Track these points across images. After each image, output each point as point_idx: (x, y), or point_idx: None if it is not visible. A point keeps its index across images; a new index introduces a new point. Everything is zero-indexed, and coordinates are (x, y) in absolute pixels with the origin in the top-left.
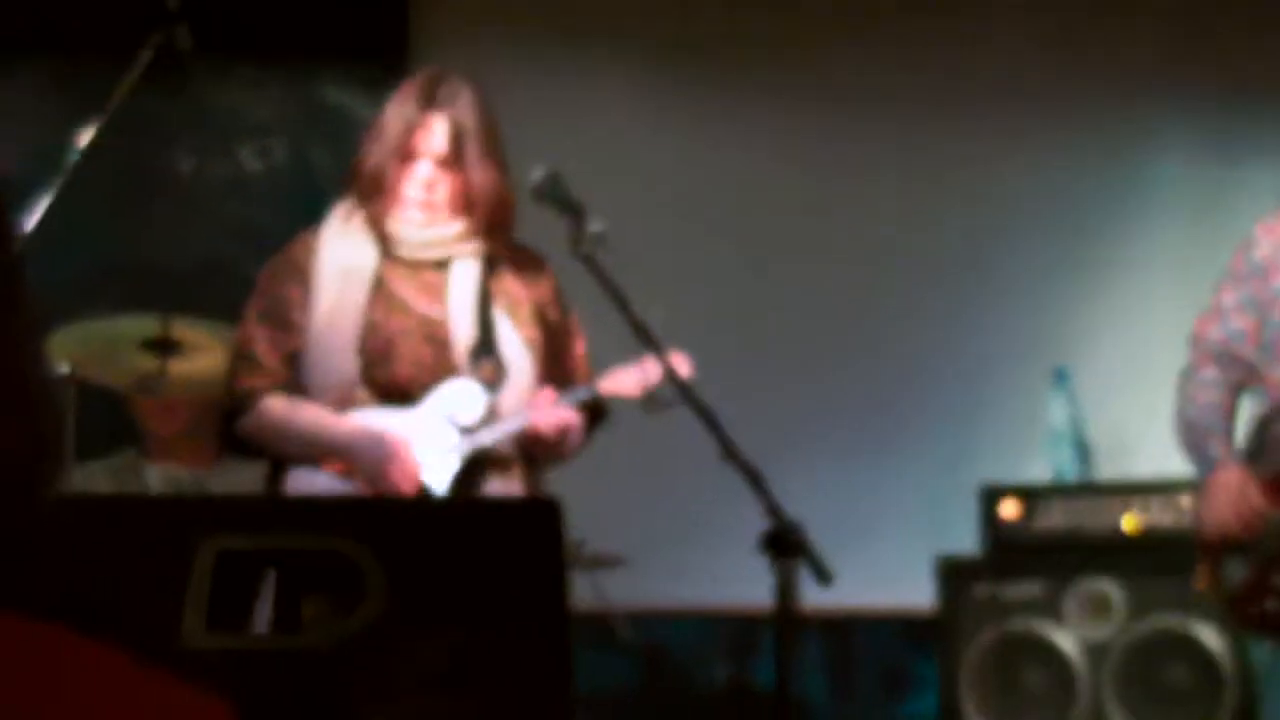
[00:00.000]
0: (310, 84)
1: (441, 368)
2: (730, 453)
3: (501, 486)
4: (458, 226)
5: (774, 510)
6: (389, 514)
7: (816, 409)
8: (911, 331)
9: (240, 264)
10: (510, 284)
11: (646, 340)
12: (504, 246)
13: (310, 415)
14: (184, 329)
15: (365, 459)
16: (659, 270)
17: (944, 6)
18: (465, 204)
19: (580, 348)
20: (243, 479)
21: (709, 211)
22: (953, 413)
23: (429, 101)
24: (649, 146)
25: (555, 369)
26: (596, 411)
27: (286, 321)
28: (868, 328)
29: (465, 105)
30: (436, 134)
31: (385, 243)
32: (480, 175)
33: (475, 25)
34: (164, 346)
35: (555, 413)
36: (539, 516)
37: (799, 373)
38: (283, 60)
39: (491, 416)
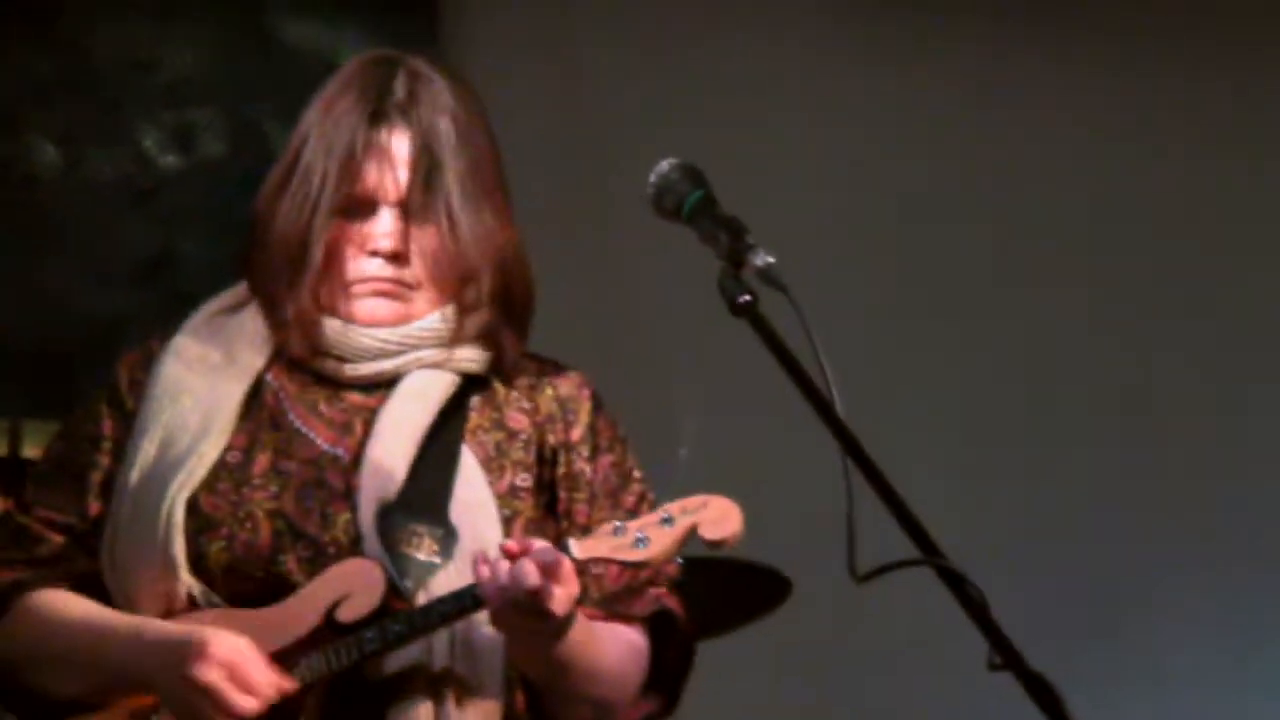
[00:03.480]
0: (259, 9)
1: (336, 535)
2: (1002, 654)
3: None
4: (435, 323)
5: None
6: None
7: (1163, 561)
8: None
9: (146, 329)
10: (506, 413)
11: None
12: (506, 351)
13: (87, 613)
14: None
15: (162, 672)
16: (855, 334)
17: None
18: (449, 279)
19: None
20: None
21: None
22: None
23: (381, 103)
24: (842, 126)
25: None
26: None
27: (79, 473)
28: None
29: (444, 107)
30: (399, 163)
31: (302, 348)
32: (474, 228)
33: None
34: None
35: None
36: None
37: (1119, 498)
38: None
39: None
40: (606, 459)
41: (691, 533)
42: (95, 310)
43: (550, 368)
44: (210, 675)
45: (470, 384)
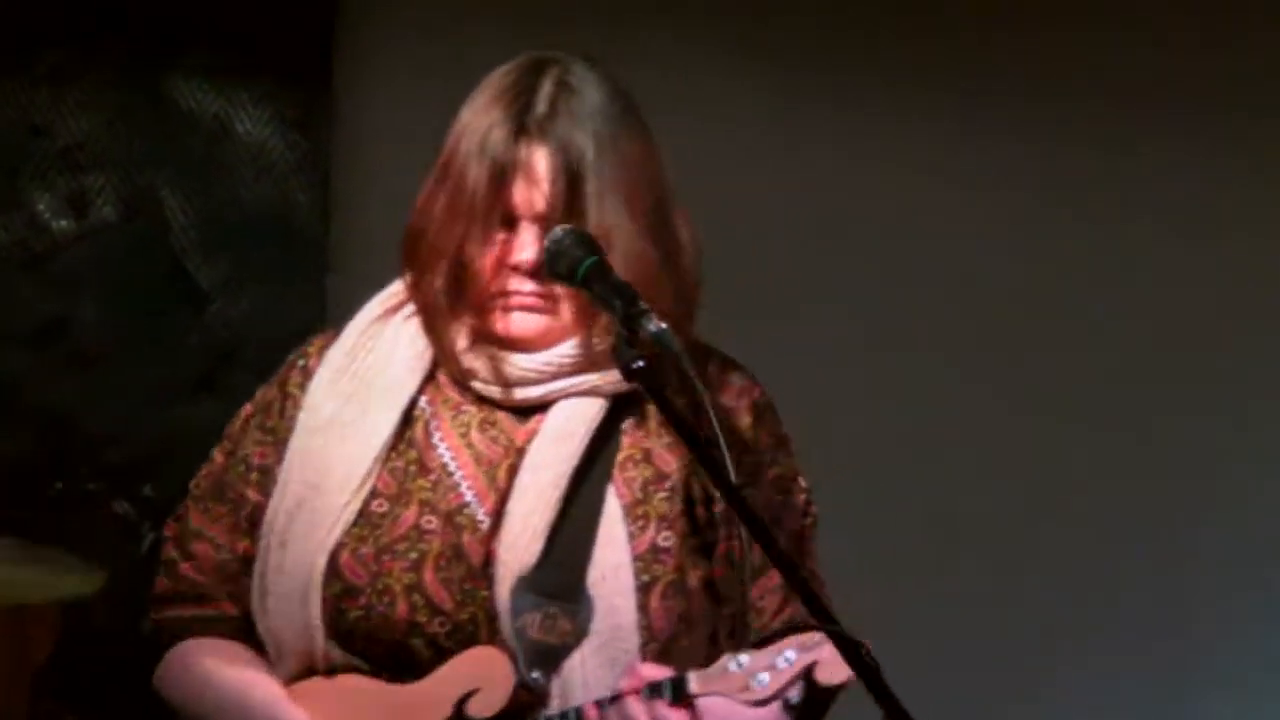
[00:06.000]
0: (154, 75)
1: (473, 612)
2: None
3: None
4: (577, 348)
5: None
6: None
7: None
8: None
9: (42, 392)
10: (654, 448)
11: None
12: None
13: (226, 678)
14: None
15: None
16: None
17: None
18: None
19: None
20: None
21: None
22: None
23: (523, 119)
24: (743, 171)
25: (725, 609)
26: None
27: (235, 503)
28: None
29: (585, 119)
30: (538, 180)
31: (457, 375)
32: (618, 242)
33: None
34: None
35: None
36: None
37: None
38: (101, 34)
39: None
40: (771, 472)
41: (806, 671)
42: None
43: (714, 372)
44: None
45: (623, 404)
